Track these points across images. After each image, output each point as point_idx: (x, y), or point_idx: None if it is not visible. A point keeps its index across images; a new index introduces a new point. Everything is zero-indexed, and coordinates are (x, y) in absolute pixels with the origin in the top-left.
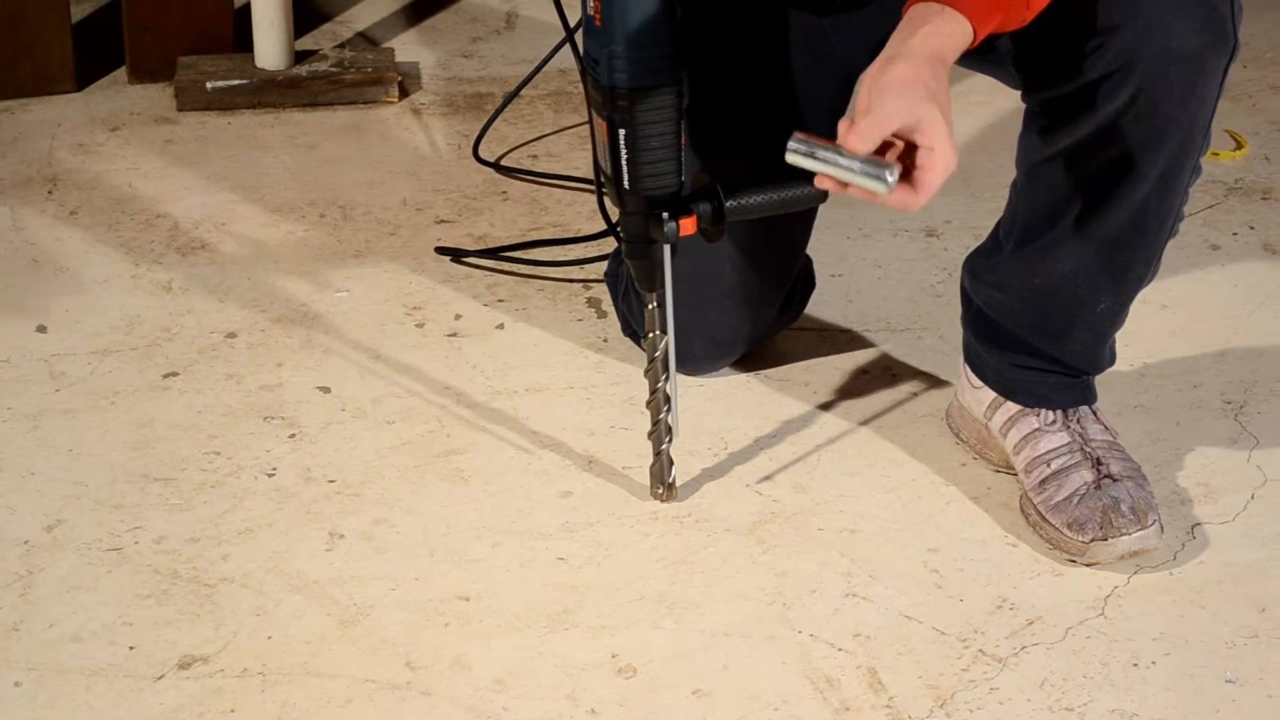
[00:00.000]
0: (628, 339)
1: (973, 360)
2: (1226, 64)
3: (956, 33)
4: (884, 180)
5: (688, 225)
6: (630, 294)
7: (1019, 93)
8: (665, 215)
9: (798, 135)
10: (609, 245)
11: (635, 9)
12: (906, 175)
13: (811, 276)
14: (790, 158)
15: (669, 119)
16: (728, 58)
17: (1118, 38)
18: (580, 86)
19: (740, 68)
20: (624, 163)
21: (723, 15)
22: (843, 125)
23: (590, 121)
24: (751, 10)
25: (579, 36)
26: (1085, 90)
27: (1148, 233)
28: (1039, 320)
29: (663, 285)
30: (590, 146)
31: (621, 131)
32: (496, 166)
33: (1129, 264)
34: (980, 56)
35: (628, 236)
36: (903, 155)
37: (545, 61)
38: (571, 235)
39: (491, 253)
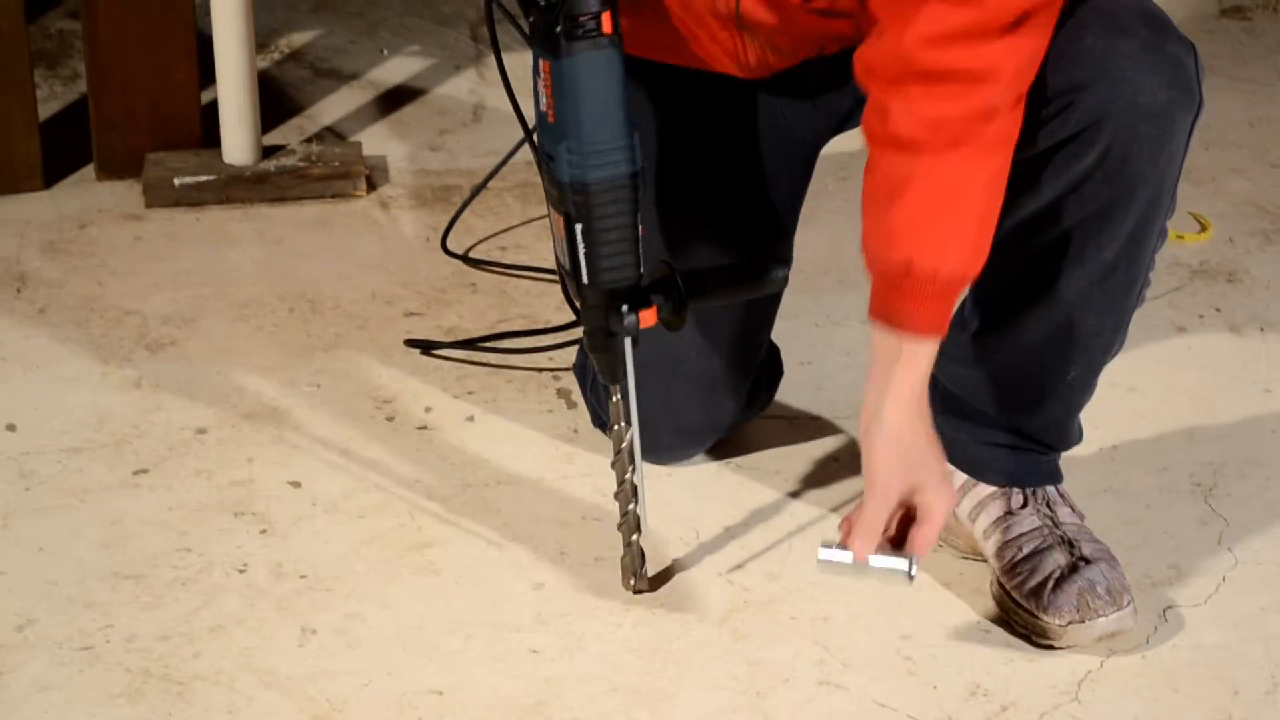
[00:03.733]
0: (597, 430)
1: (943, 442)
2: (1193, 121)
3: (921, 354)
4: (906, 574)
5: (648, 317)
6: (598, 385)
7: None
8: (625, 308)
9: (825, 542)
10: (578, 334)
11: (587, 103)
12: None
13: (779, 364)
14: (822, 568)
15: (625, 211)
16: (690, 142)
17: (1086, 95)
18: None
19: (703, 152)
20: (581, 257)
21: (684, 99)
22: (843, 529)
23: (550, 214)
24: (713, 94)
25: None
26: (1052, 151)
27: (1116, 296)
28: (1009, 393)
29: (625, 377)
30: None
31: (578, 226)
32: (465, 259)
33: (1098, 330)
34: None
35: (588, 330)
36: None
37: (510, 156)
38: (540, 326)
39: (462, 344)
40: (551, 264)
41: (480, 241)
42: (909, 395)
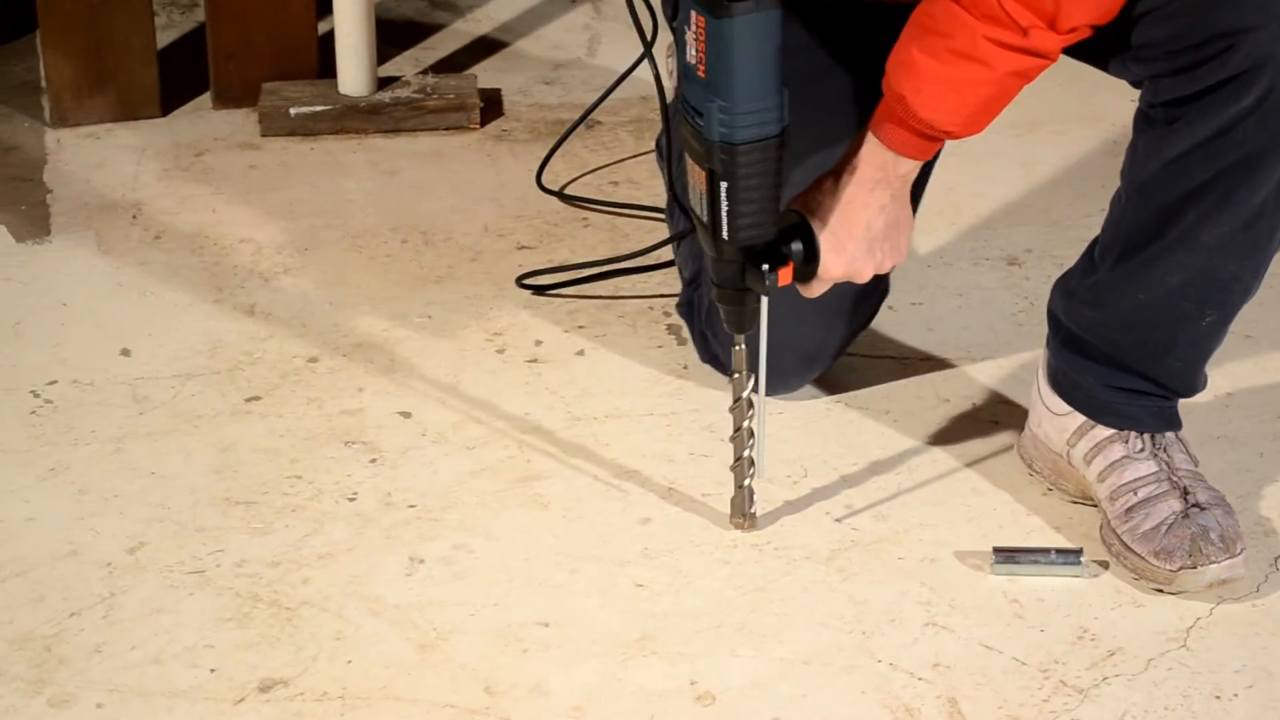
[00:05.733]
0: (706, 365)
1: (1061, 385)
2: None
3: (902, 164)
4: (1079, 563)
5: (785, 275)
6: (713, 317)
7: (1130, 104)
8: (765, 268)
9: (996, 549)
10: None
11: (745, 66)
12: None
13: (887, 280)
14: (996, 573)
15: (772, 170)
16: (826, 75)
17: (1249, 37)
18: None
19: (838, 83)
20: (723, 214)
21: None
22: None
23: (668, 155)
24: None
25: (669, 77)
26: (1211, 90)
27: (1259, 241)
28: (1140, 338)
29: (753, 328)
30: (664, 176)
31: (723, 184)
32: (561, 195)
33: (1238, 274)
34: (1098, 53)
35: (720, 282)
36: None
37: (612, 89)
38: (652, 261)
39: (571, 283)
40: (650, 201)
41: (589, 172)
42: (869, 176)
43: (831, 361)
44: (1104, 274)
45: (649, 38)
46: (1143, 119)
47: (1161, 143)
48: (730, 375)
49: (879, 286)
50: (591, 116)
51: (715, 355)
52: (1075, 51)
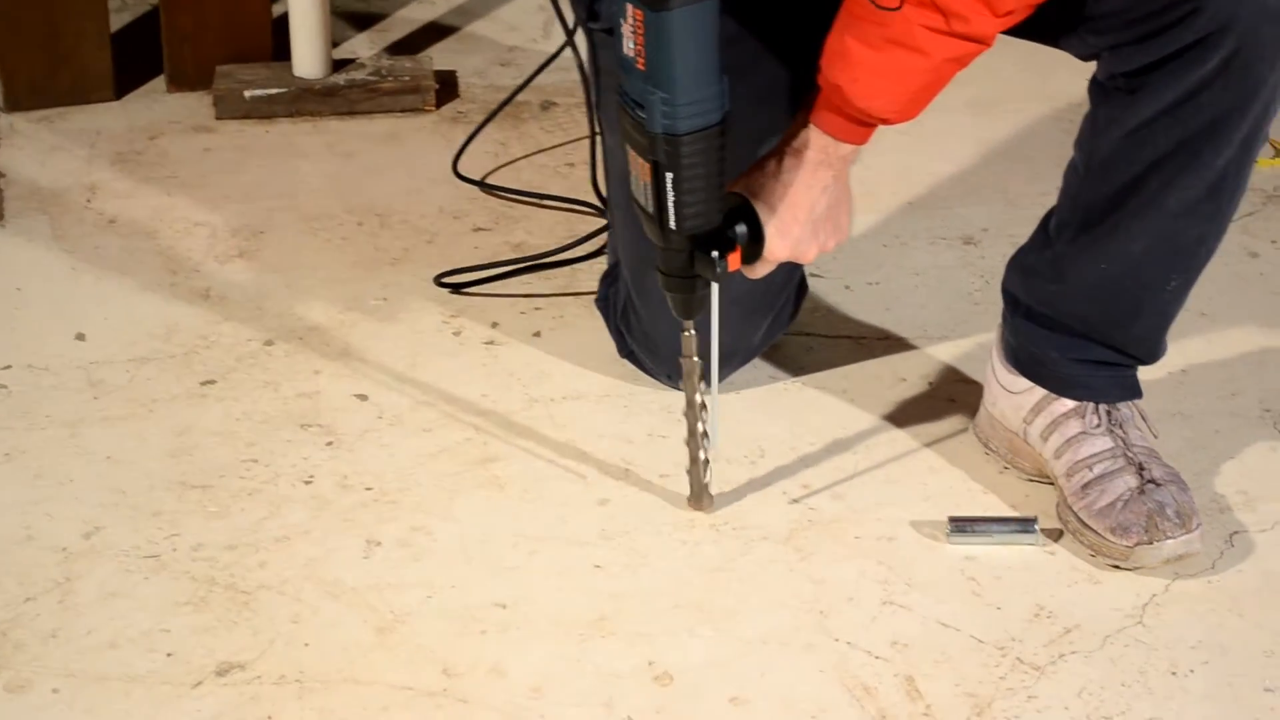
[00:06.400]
0: (625, 360)
1: (1022, 362)
2: None
3: (840, 148)
4: (1034, 531)
5: (734, 260)
6: (629, 314)
7: (1086, 82)
8: (716, 255)
9: (952, 519)
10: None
11: (685, 58)
12: None
13: (804, 282)
14: (952, 543)
15: (715, 158)
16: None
17: (1213, 1)
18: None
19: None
20: (670, 204)
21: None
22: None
23: (631, 159)
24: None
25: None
26: (1174, 56)
27: (1222, 202)
28: (1104, 309)
29: (700, 313)
30: (591, 164)
31: (669, 175)
32: (481, 185)
33: (1202, 236)
34: (1048, 30)
35: (669, 271)
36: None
37: (534, 76)
38: (579, 254)
39: (487, 280)
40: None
41: (541, 151)
42: (811, 159)
43: (752, 356)
44: (1063, 247)
45: (572, 27)
46: (1100, 90)
47: (1124, 112)
48: (682, 359)
49: (795, 280)
50: (547, 98)
51: (633, 352)
52: (1023, 30)
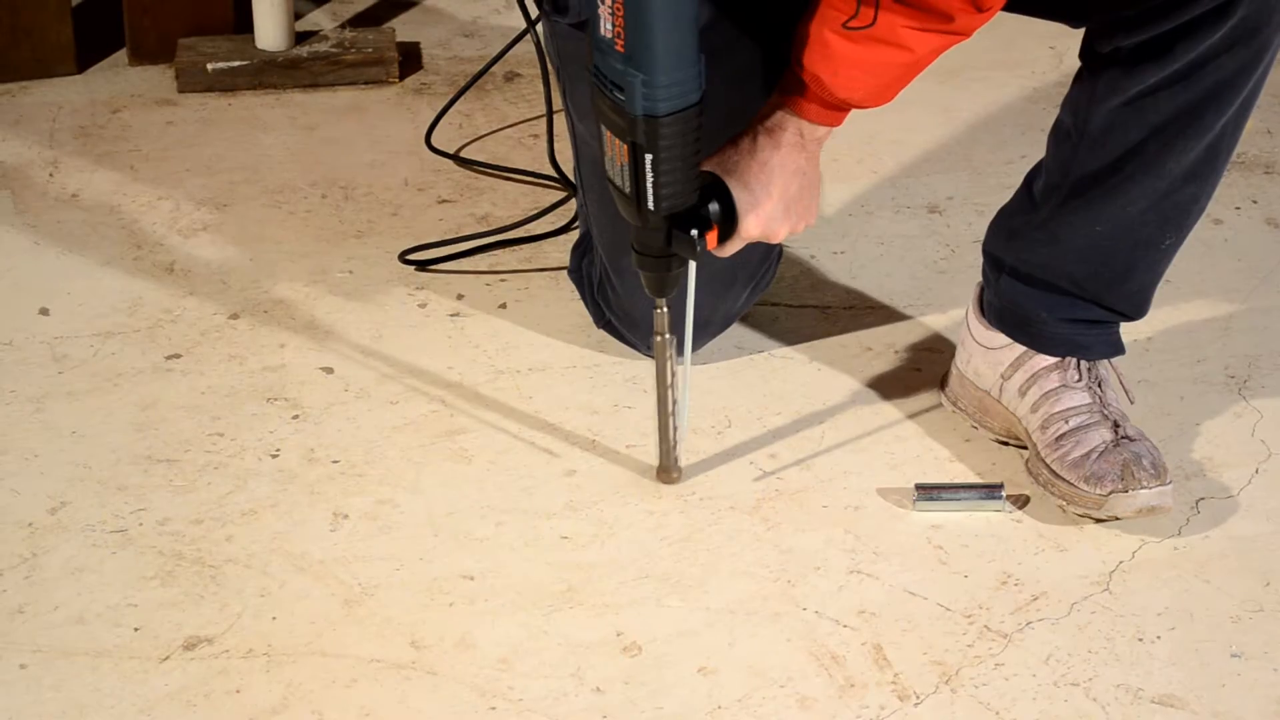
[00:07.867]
0: (602, 330)
1: (1008, 322)
2: None
3: (814, 130)
4: (1000, 498)
5: (711, 238)
6: (605, 287)
7: (1050, 50)
8: (695, 233)
9: (918, 485)
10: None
11: (666, 39)
12: None
13: (780, 247)
14: (918, 509)
15: (693, 138)
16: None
17: None
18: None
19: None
20: (649, 185)
21: None
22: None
23: (607, 139)
24: None
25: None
26: (1185, 25)
27: (1218, 161)
28: (1096, 269)
29: (674, 292)
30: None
31: (648, 156)
32: (454, 158)
33: (1197, 195)
34: (1045, 5)
35: (645, 250)
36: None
37: (502, 54)
38: (542, 229)
39: (453, 257)
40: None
41: (508, 126)
42: (786, 141)
43: (730, 323)
44: (1052, 210)
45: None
46: (1099, 59)
47: (1126, 79)
48: (653, 337)
49: (777, 250)
50: (512, 69)
51: (611, 323)
52: (1016, 5)
